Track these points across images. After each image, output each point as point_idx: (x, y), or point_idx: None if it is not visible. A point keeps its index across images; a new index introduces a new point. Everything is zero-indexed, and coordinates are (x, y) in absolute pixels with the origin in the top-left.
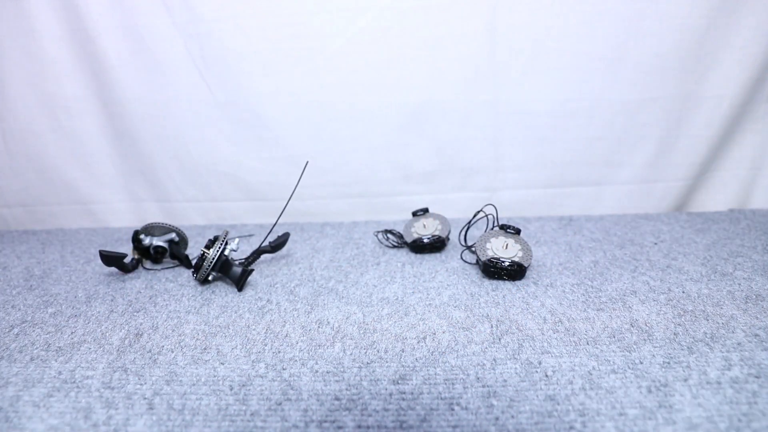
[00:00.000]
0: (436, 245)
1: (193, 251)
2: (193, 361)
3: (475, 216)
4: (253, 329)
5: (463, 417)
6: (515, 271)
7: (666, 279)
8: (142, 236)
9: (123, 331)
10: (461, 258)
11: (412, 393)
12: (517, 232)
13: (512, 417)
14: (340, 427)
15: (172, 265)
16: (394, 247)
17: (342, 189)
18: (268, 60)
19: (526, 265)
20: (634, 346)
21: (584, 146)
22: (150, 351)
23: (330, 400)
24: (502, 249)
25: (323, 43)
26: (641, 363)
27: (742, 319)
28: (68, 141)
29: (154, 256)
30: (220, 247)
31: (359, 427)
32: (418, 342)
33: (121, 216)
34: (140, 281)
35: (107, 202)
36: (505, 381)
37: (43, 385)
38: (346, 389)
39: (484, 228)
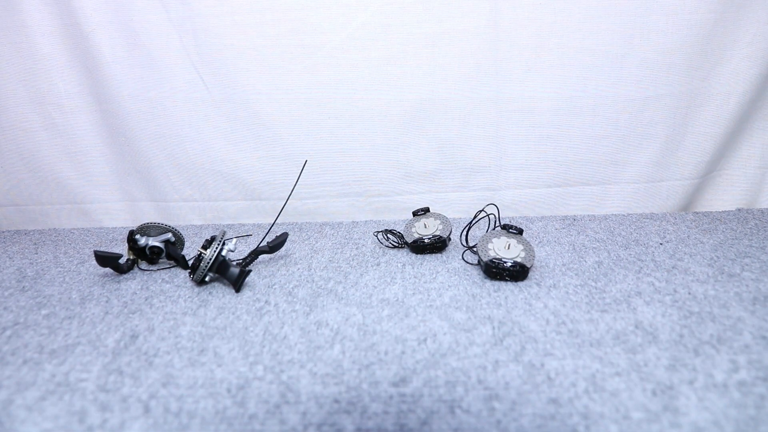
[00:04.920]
0: (437, 245)
1: (189, 252)
2: (189, 363)
3: (476, 216)
4: (251, 331)
5: (464, 420)
6: (517, 272)
7: (672, 280)
8: (137, 236)
9: (118, 333)
10: (462, 258)
11: (412, 395)
12: (520, 232)
13: (514, 420)
14: (339, 430)
15: (168, 266)
16: (394, 247)
17: (341, 188)
18: (265, 56)
19: (528, 266)
20: (639, 348)
21: (588, 145)
22: (146, 353)
23: (329, 403)
24: (505, 249)
25: (322, 39)
26: (646, 365)
27: (749, 321)
28: (61, 139)
29: (150, 256)
30: (217, 248)
31: (359, 430)
32: (419, 344)
33: (116, 216)
34: (136, 282)
35: (101, 202)
36: (507, 383)
37: (37, 388)
38: (346, 392)
39: (486, 228)
